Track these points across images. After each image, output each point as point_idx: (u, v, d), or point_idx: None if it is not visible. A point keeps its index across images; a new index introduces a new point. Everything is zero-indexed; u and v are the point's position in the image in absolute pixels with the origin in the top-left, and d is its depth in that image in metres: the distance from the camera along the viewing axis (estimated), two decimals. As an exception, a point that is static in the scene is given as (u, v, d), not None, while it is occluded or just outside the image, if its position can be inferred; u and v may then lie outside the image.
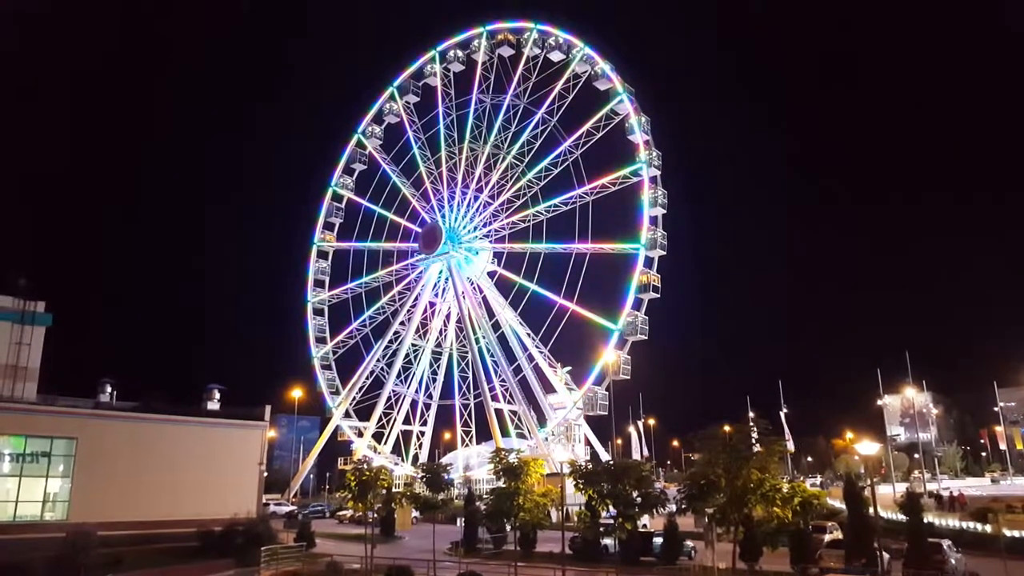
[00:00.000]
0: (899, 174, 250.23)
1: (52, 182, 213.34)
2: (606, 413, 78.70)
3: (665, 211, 75.90)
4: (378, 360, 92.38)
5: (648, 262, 74.53)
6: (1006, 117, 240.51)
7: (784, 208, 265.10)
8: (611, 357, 73.18)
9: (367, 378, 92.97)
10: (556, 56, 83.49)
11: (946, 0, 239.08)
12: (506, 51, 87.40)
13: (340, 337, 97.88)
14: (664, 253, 74.88)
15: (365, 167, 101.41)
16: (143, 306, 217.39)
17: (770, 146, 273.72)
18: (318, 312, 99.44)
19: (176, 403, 48.94)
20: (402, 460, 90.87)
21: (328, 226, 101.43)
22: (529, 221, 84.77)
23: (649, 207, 75.23)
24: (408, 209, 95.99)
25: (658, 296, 74.28)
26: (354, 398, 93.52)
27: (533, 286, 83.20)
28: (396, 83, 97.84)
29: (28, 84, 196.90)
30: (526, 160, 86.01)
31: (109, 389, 51.66)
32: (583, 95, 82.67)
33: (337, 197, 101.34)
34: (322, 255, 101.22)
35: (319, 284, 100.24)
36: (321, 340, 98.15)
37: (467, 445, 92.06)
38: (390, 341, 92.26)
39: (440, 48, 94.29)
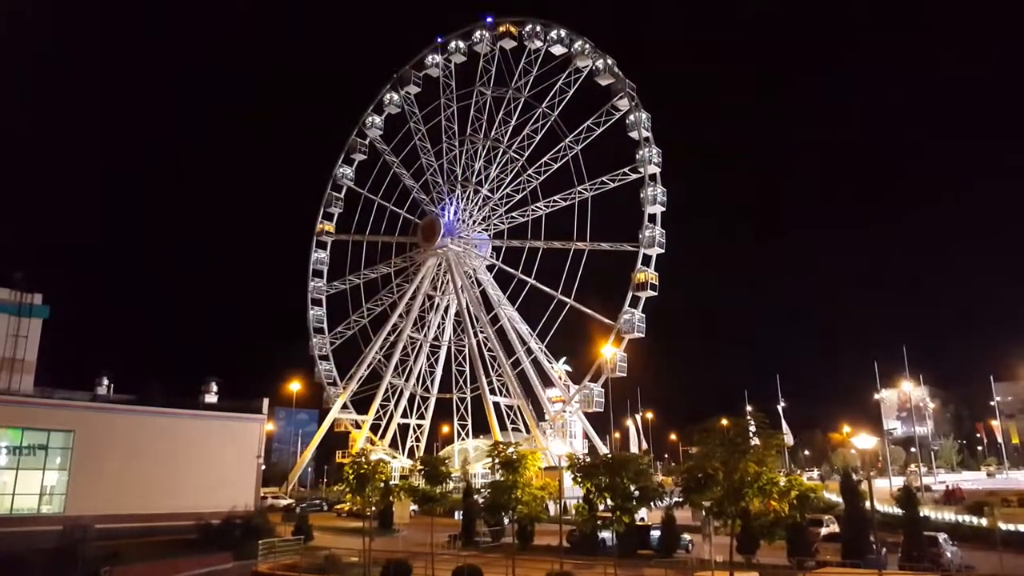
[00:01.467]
0: (899, 170, 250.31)
1: (49, 174, 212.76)
2: (602, 410, 79.10)
3: (664, 209, 75.51)
4: (376, 352, 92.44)
5: (646, 260, 74.32)
6: (1006, 113, 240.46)
7: (784, 203, 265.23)
8: (607, 355, 73.35)
9: (365, 369, 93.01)
10: (558, 50, 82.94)
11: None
12: (508, 43, 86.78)
13: (338, 328, 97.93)
14: (662, 251, 74.58)
15: (365, 157, 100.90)
16: (140, 298, 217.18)
17: (771, 141, 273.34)
18: (316, 303, 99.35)
19: (174, 396, 48.93)
20: (399, 453, 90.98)
21: (327, 216, 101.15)
22: (528, 216, 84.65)
23: (648, 205, 74.90)
24: (408, 201, 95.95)
25: (656, 294, 74.18)
26: (352, 390, 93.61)
27: (532, 281, 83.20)
28: (397, 73, 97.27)
29: (28, 80, 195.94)
30: (526, 154, 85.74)
31: (106, 382, 51.64)
32: (584, 90, 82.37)
33: (337, 187, 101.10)
34: (321, 245, 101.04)
35: (318, 274, 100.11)
36: (319, 331, 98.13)
37: (463, 439, 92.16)
38: (388, 333, 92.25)
39: (442, 39, 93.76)
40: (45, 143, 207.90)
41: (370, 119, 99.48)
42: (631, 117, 77.49)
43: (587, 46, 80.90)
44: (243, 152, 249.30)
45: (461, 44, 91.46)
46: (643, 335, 74.30)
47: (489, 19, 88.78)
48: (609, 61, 79.87)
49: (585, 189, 79.48)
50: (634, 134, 77.21)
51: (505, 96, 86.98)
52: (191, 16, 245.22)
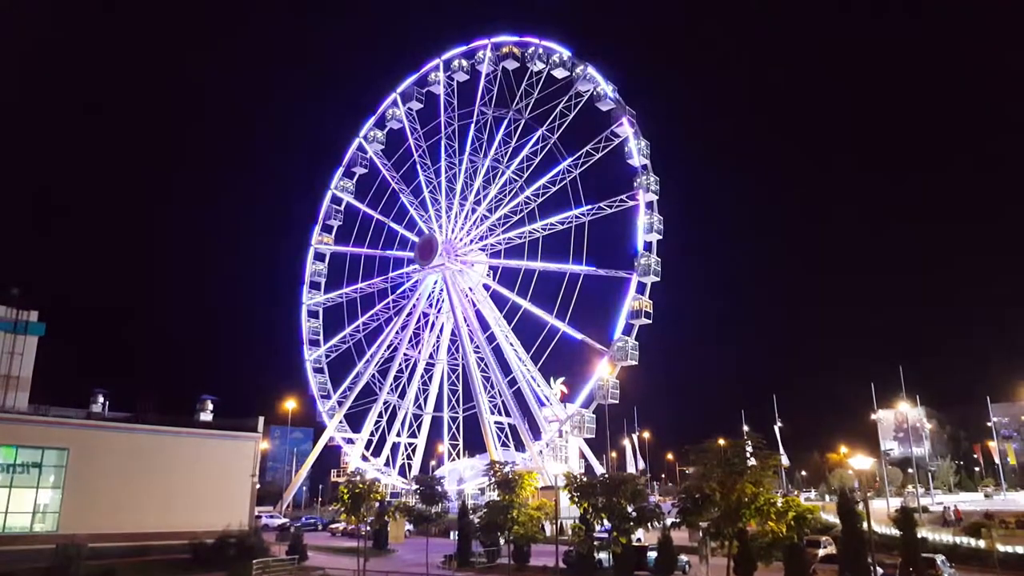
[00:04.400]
0: (893, 193, 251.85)
1: (46, 190, 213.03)
2: (593, 436, 78.85)
3: (661, 237, 75.19)
4: (371, 368, 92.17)
5: (641, 288, 73.86)
6: (1001, 126, 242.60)
7: (780, 225, 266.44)
8: (599, 382, 73.27)
9: (360, 385, 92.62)
10: (560, 73, 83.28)
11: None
12: (511, 64, 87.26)
13: (333, 341, 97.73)
14: (658, 279, 74.08)
15: (366, 171, 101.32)
16: (137, 316, 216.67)
17: (768, 162, 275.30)
18: (313, 314, 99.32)
19: (169, 414, 48.75)
20: (391, 471, 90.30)
21: (326, 228, 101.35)
22: (525, 238, 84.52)
23: (644, 233, 74.64)
24: (406, 217, 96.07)
25: (650, 322, 73.77)
26: (347, 407, 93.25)
27: (526, 304, 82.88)
28: (400, 88, 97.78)
29: (24, 88, 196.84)
30: (525, 176, 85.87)
31: (101, 399, 51.50)
32: (584, 115, 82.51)
33: (336, 200, 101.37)
34: (319, 257, 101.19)
35: (315, 286, 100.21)
36: (315, 343, 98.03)
37: (453, 459, 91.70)
38: (384, 349, 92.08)
39: (445, 57, 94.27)
40: (41, 156, 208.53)
41: (371, 133, 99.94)
42: (630, 144, 77.52)
43: (590, 71, 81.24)
44: (243, 164, 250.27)
45: (464, 62, 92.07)
46: (636, 363, 73.94)
47: (493, 39, 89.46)
48: (610, 87, 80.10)
49: (582, 214, 79.33)
50: (632, 161, 77.17)
51: (506, 116, 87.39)
52: (193, 22, 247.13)
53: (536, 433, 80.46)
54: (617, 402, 75.66)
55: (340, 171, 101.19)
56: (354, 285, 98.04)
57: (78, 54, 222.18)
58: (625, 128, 78.09)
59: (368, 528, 44.47)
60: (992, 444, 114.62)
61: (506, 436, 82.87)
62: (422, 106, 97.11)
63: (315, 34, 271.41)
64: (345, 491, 41.46)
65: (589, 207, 79.21)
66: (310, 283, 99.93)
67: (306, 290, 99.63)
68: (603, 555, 39.35)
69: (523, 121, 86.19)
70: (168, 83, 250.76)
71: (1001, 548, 36.76)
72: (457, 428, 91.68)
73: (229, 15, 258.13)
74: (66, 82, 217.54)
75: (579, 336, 77.65)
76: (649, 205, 75.64)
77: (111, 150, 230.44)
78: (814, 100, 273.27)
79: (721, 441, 32.84)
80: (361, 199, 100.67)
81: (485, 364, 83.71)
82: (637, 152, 76.91)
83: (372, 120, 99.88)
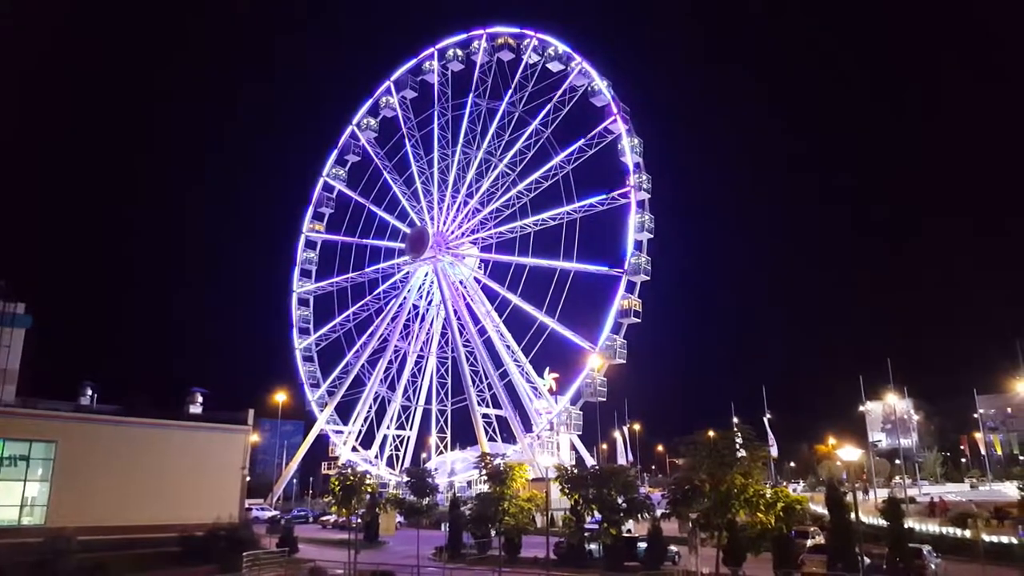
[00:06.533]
0: (886, 190, 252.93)
1: (32, 180, 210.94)
2: (581, 433, 78.92)
3: (652, 236, 75.01)
4: (360, 359, 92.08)
5: (631, 287, 73.70)
6: (994, 126, 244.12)
7: (772, 218, 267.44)
8: (587, 380, 73.40)
9: (350, 376, 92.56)
10: (555, 66, 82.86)
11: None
12: (506, 55, 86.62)
13: (323, 330, 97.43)
14: (648, 278, 73.93)
15: (359, 159, 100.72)
16: (125, 307, 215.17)
17: (762, 154, 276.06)
18: (303, 303, 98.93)
19: (158, 406, 48.46)
20: (380, 462, 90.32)
21: (318, 216, 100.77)
22: (517, 232, 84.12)
23: (635, 232, 74.32)
24: (398, 207, 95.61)
25: (639, 321, 73.70)
26: (338, 399, 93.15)
27: (516, 299, 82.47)
28: (394, 77, 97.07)
29: (14, 80, 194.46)
30: (517, 170, 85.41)
31: (90, 392, 51.17)
32: (578, 110, 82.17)
33: (328, 187, 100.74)
34: (310, 245, 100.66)
35: (305, 274, 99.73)
36: (304, 331, 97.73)
37: (441, 452, 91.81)
38: (373, 340, 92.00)
39: (440, 46, 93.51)
40: (32, 148, 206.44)
41: (365, 120, 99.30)
42: (623, 142, 77.05)
43: (584, 65, 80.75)
44: (232, 150, 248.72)
45: (459, 52, 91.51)
46: (624, 361, 73.99)
47: (488, 30, 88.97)
48: (605, 83, 79.60)
49: (574, 211, 78.85)
50: (625, 159, 76.77)
51: (499, 108, 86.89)
52: (190, 12, 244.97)
53: (527, 425, 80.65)
54: (605, 400, 76.02)
55: (333, 158, 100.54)
56: (345, 274, 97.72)
57: (71, 44, 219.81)
58: (618, 125, 77.71)
59: (359, 520, 44.50)
60: (978, 435, 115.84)
61: (494, 430, 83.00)
62: (416, 95, 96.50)
63: (311, 20, 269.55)
64: (336, 483, 41.48)
65: (580, 204, 78.85)
66: (301, 271, 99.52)
67: (296, 277, 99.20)
68: (594, 546, 39.61)
69: (517, 114, 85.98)
70: (164, 73, 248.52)
71: (986, 538, 37.19)
72: (446, 421, 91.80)
73: (224, 4, 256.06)
74: (62, 74, 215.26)
75: (568, 333, 77.61)
76: (641, 204, 75.36)
77: (102, 140, 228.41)
78: (814, 97, 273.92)
79: (711, 433, 33.09)
80: (353, 187, 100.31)
81: (475, 357, 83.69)
82: (630, 150, 76.58)
83: (366, 107, 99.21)
